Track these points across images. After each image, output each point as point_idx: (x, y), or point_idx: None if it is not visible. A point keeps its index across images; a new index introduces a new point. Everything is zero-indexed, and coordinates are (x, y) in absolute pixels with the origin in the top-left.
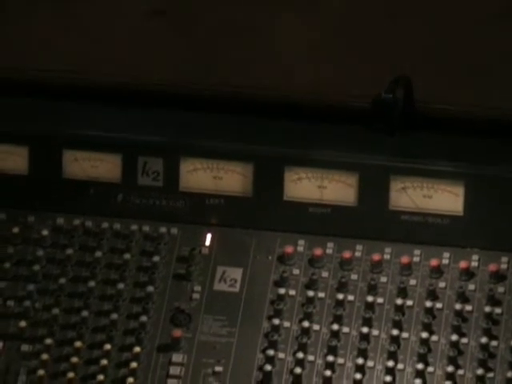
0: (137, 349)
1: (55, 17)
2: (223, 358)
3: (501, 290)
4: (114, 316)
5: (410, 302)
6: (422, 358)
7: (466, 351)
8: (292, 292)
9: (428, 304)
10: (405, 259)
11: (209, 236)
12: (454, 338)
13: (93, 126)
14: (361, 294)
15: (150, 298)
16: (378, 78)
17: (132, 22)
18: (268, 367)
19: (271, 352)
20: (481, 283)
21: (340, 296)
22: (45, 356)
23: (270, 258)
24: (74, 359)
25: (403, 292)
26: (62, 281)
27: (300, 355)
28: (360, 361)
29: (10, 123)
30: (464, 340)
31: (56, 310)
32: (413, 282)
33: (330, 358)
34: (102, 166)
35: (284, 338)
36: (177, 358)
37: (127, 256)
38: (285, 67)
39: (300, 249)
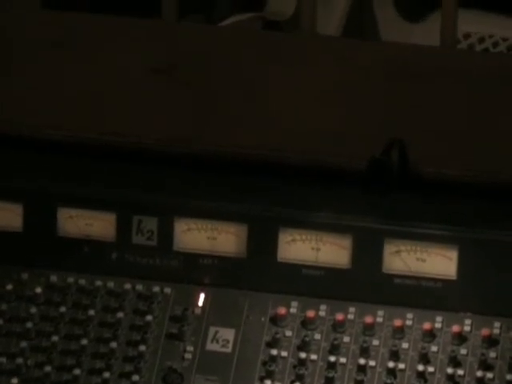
0: None
1: (53, 72)
2: None
3: (493, 354)
4: (106, 375)
5: (402, 366)
6: None
7: None
8: (284, 353)
9: (420, 368)
10: (397, 322)
11: (202, 296)
12: None
13: (88, 184)
14: (353, 356)
15: (142, 357)
16: (373, 141)
17: (131, 79)
18: None
19: None
20: (473, 348)
21: (332, 358)
22: None
23: (262, 319)
24: None
25: (395, 355)
26: (55, 338)
27: None
28: None
29: (4, 180)
30: None
31: (48, 368)
32: (405, 345)
33: None
34: (96, 224)
35: None
36: None
37: (120, 315)
38: (278, 129)
39: (293, 310)
